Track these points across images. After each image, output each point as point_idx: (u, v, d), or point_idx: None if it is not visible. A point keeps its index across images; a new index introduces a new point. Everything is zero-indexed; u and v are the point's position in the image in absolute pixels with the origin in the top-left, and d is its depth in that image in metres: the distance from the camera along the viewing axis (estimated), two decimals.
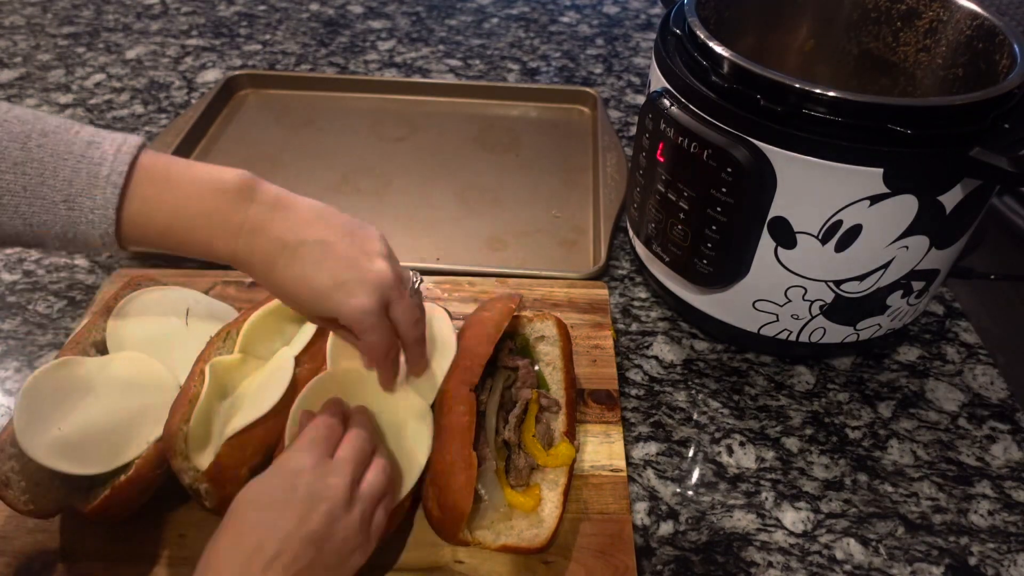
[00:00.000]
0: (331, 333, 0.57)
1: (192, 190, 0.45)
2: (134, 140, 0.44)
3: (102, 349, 0.59)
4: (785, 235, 0.57)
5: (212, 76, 1.11)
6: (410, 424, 0.55)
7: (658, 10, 1.34)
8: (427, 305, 0.62)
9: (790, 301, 0.62)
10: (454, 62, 1.16)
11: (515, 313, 0.61)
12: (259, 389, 0.55)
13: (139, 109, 1.02)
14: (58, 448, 0.50)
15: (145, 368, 0.57)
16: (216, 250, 0.46)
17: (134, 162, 0.43)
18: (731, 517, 0.58)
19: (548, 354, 0.62)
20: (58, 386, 0.53)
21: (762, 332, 0.65)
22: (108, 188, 0.42)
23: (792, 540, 0.56)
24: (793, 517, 0.58)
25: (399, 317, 0.51)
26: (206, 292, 0.70)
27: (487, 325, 0.58)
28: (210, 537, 0.43)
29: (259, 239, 0.46)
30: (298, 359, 0.57)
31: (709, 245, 0.61)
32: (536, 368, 0.61)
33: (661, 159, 0.62)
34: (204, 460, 0.51)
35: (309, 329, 0.59)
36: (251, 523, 0.43)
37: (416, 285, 0.53)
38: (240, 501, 0.44)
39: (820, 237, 0.56)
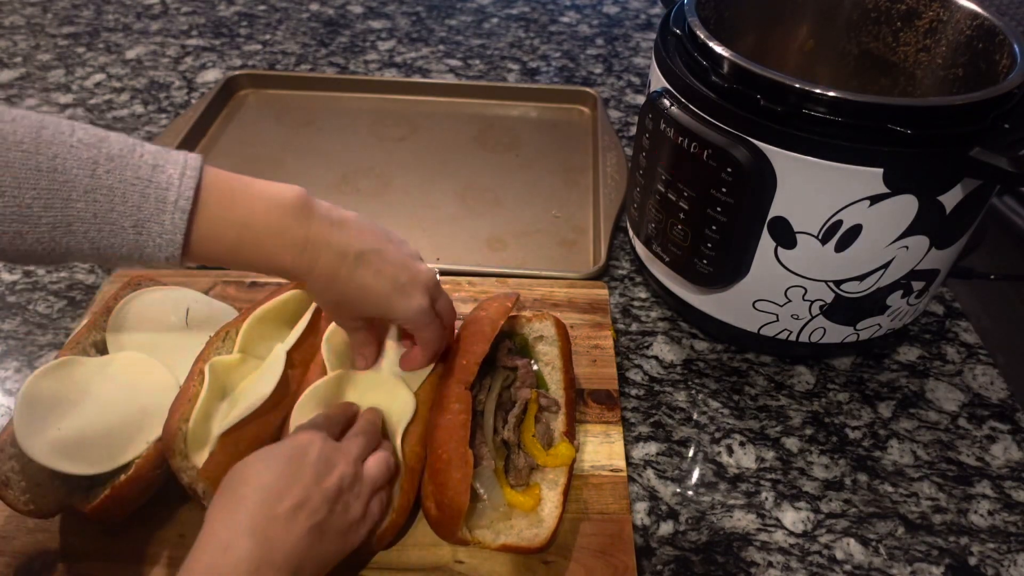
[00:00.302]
0: (324, 338, 0.58)
1: (256, 207, 0.46)
2: (195, 160, 0.44)
3: (102, 349, 0.59)
4: (785, 235, 0.57)
5: (212, 76, 1.11)
6: (402, 420, 0.56)
7: (658, 10, 1.34)
8: None
9: (790, 301, 0.62)
10: (454, 62, 1.16)
11: (512, 312, 0.61)
12: (253, 385, 0.56)
13: (139, 109, 1.02)
14: (58, 448, 0.50)
15: (145, 368, 0.57)
16: (281, 264, 0.47)
17: (199, 185, 0.44)
18: (731, 517, 0.58)
19: (547, 354, 0.62)
20: (58, 386, 0.53)
21: (762, 332, 0.65)
22: (176, 213, 0.42)
23: (792, 540, 0.56)
24: (793, 517, 0.58)
25: (442, 311, 0.55)
26: (206, 292, 0.70)
27: (483, 324, 0.58)
28: None
29: (323, 252, 0.47)
30: (290, 354, 0.57)
31: (709, 245, 0.61)
32: (535, 368, 0.61)
33: (661, 159, 0.62)
34: (202, 459, 0.51)
35: (301, 325, 0.59)
36: (268, 479, 0.44)
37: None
38: (247, 464, 0.45)
39: (820, 237, 0.56)
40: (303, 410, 0.54)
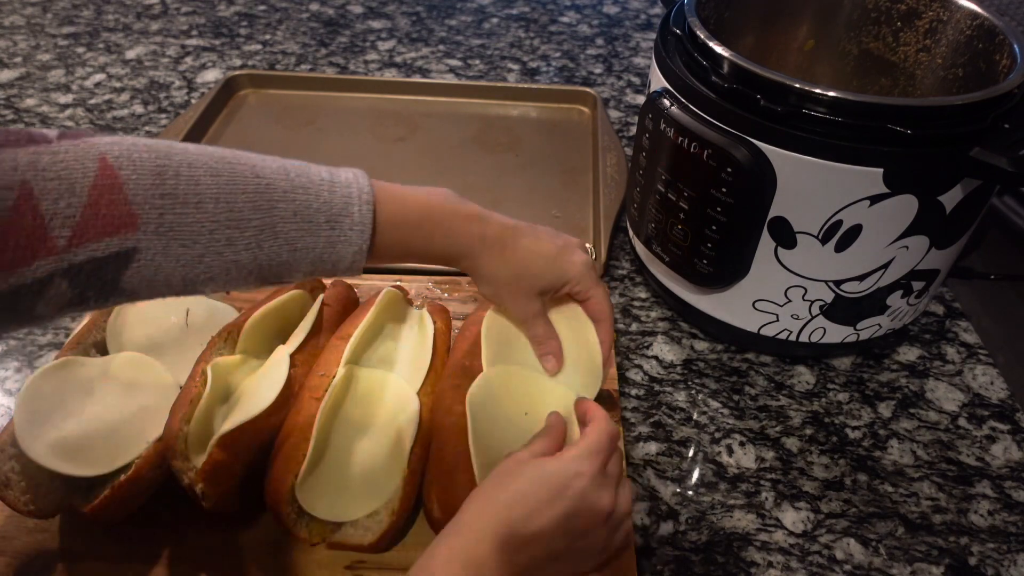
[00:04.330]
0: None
1: (422, 193, 0.49)
2: (359, 170, 0.47)
3: (102, 349, 0.59)
4: (785, 235, 0.57)
5: (212, 76, 1.11)
6: (407, 422, 0.55)
7: (658, 10, 1.34)
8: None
9: (790, 301, 0.62)
10: (454, 62, 1.16)
11: None
12: (255, 387, 0.55)
13: (139, 109, 1.02)
14: (58, 448, 0.50)
15: (145, 368, 0.57)
16: (460, 239, 0.50)
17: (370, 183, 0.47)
18: (731, 517, 0.58)
19: None
20: (58, 386, 0.53)
21: (762, 332, 0.65)
22: (364, 206, 0.45)
23: (792, 540, 0.56)
24: (793, 517, 0.58)
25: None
26: None
27: None
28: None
29: (489, 226, 0.51)
30: (293, 357, 0.57)
31: (709, 245, 0.61)
32: None
33: (661, 159, 0.62)
34: (202, 460, 0.51)
35: (304, 327, 0.59)
36: (521, 493, 0.43)
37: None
38: (513, 464, 0.44)
39: (820, 237, 0.56)
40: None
